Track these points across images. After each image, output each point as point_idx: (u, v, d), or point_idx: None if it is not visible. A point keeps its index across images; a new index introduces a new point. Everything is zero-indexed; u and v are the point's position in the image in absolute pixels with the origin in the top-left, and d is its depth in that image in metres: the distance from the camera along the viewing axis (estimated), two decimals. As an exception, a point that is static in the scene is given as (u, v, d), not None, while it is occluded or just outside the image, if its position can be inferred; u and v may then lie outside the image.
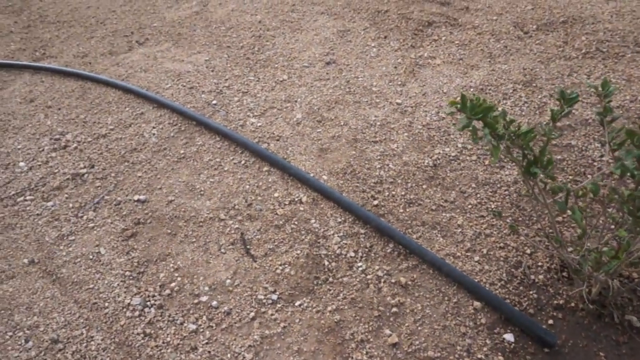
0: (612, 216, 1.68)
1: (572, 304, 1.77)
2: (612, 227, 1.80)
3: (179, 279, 2.00)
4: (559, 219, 2.09)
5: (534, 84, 2.83)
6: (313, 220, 2.20)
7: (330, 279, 1.95)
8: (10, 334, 1.86)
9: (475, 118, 1.40)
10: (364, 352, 1.69)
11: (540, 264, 1.94)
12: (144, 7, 4.57)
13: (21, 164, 2.72)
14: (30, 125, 3.03)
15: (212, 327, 1.81)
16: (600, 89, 1.61)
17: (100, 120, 2.99)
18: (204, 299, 1.91)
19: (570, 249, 1.89)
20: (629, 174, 1.37)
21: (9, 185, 2.59)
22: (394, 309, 1.82)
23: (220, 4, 4.38)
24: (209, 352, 1.73)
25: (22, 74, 3.64)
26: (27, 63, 3.72)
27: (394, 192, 2.30)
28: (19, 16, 4.67)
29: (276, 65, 3.35)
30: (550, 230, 1.95)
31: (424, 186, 2.32)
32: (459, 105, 1.46)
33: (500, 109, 1.45)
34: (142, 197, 2.39)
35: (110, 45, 3.92)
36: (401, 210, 2.22)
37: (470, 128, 1.43)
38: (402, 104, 2.83)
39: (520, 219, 2.13)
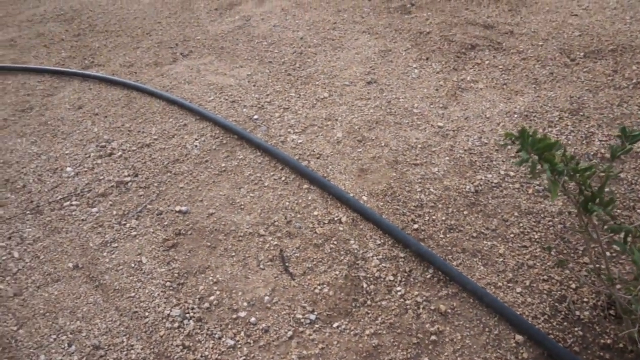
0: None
1: (621, 345, 1.71)
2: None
3: (218, 292, 2.02)
4: (608, 254, 2.02)
5: (582, 113, 2.77)
6: (352, 241, 2.19)
7: (369, 302, 1.94)
8: (54, 337, 1.91)
9: (536, 153, 1.38)
10: (403, 381, 1.67)
11: (586, 299, 1.88)
12: (188, 20, 4.70)
13: (68, 169, 2.82)
14: (78, 132, 3.13)
15: (249, 344, 1.82)
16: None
17: (145, 130, 3.07)
18: (242, 314, 1.92)
19: (619, 286, 1.82)
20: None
21: (57, 190, 2.68)
22: (433, 337, 1.79)
23: (263, 19, 4.47)
24: (247, 369, 1.74)
25: (72, 81, 3.79)
26: (77, 71, 3.87)
27: (434, 217, 2.28)
28: (70, 25, 4.88)
29: (317, 83, 3.38)
30: (599, 266, 1.89)
31: (465, 212, 2.29)
32: (514, 137, 1.45)
33: (562, 147, 1.42)
34: (183, 209, 2.44)
35: (155, 56, 4.04)
36: (442, 236, 2.19)
37: (530, 163, 1.41)
38: (443, 128, 2.81)
39: (565, 251, 2.08)
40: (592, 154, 2.50)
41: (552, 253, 2.06)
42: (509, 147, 1.44)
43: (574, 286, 1.94)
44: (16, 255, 2.29)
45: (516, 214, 2.27)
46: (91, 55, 4.18)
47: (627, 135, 1.48)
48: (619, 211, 2.20)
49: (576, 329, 1.79)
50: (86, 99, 3.49)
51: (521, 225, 2.21)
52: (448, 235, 2.19)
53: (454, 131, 2.78)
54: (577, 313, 1.84)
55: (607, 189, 2.30)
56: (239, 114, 3.12)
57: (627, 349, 1.70)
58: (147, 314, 1.96)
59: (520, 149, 1.41)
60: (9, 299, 2.09)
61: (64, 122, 3.26)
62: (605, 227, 1.53)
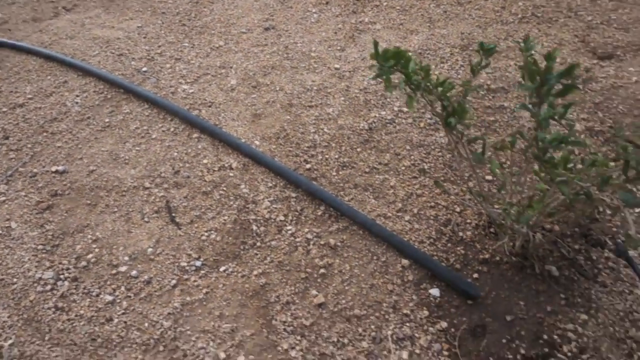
0: (534, 170, 1.68)
1: (497, 258, 1.78)
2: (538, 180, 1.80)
3: (97, 250, 1.88)
4: (489, 177, 2.09)
5: (471, 48, 2.82)
6: (243, 186, 2.11)
7: (258, 244, 1.88)
8: None
9: (389, 66, 1.35)
10: (289, 314, 1.64)
11: (469, 221, 1.94)
12: (73, -27, 4.26)
13: None
14: (-61, 96, 2.77)
15: (130, 297, 1.71)
16: (522, 44, 1.59)
17: (18, 89, 2.77)
18: (122, 269, 1.81)
19: (497, 206, 1.89)
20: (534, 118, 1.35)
21: None
22: (322, 270, 1.78)
23: (156, -30, 4.14)
24: (125, 322, 1.63)
25: None
26: (-61, 31, 3.40)
27: (327, 156, 2.25)
28: None
29: (213, 32, 3.20)
30: (477, 188, 1.95)
31: (359, 149, 2.28)
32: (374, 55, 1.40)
33: (417, 60, 1.40)
34: (60, 168, 2.23)
35: (33, 11, 3.64)
36: (334, 174, 2.16)
37: (384, 77, 1.37)
38: (340, 69, 2.76)
39: (452, 178, 2.12)
40: (478, 85, 2.55)
41: (432, 176, 2.10)
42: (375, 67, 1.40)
43: (458, 209, 1.99)
44: None
45: (408, 147, 2.28)
46: (-43, 14, 3.70)
47: (484, 49, 1.48)
48: (500, 138, 2.27)
49: (458, 248, 1.84)
50: (-51, 61, 3.09)
51: (412, 157, 2.23)
52: (340, 173, 2.17)
53: (350, 72, 2.74)
54: (460, 234, 1.89)
55: (488, 118, 2.37)
56: (125, 67, 2.89)
57: (502, 261, 1.77)
58: (14, 279, 1.79)
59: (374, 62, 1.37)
60: None
61: None
62: (464, 139, 1.55)
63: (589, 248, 1.80)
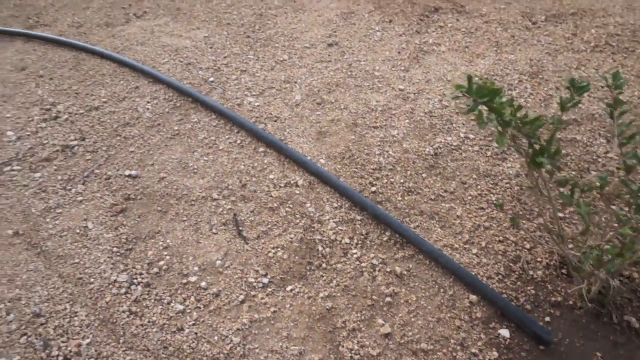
0: (617, 214, 1.63)
1: (571, 302, 1.73)
2: (616, 225, 1.75)
3: (168, 257, 1.94)
4: (561, 215, 2.04)
5: (541, 76, 2.76)
6: (309, 205, 2.14)
7: (324, 265, 1.90)
8: (-10, 306, 1.80)
9: (482, 102, 1.34)
10: (356, 342, 1.64)
11: (539, 260, 1.90)
12: (143, -21, 4.43)
13: (9, 133, 2.63)
14: (20, 95, 2.93)
15: (200, 308, 1.76)
16: (611, 80, 1.55)
17: (94, 92, 2.90)
18: (193, 279, 1.85)
19: (571, 246, 1.84)
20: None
21: (-4, 155, 2.50)
22: (388, 299, 1.77)
23: (223, -21, 4.26)
24: (196, 333, 1.68)
25: (14, 41, 3.53)
26: (20, 30, 3.60)
27: (392, 180, 2.24)
28: (14, -18, 4.52)
29: (277, 45, 3.26)
30: (552, 226, 1.90)
31: (424, 175, 2.27)
32: (464, 89, 1.40)
33: (508, 96, 1.39)
34: (133, 173, 2.32)
35: (107, 16, 3.80)
36: (399, 199, 2.16)
37: (477, 112, 1.36)
38: (404, 90, 2.76)
39: (521, 213, 2.08)
40: (550, 115, 2.50)
41: (508, 213, 2.06)
42: (459, 100, 1.39)
43: (528, 246, 1.95)
44: (-50, 223, 2.14)
45: (474, 176, 2.26)
46: (36, 15, 3.90)
47: (575, 87, 1.45)
48: (574, 172, 2.22)
49: (529, 288, 1.80)
50: (30, 60, 3.26)
51: (479, 187, 2.20)
52: (406, 198, 2.16)
53: (414, 94, 2.73)
54: (531, 272, 1.85)
55: (556, 144, 2.31)
56: (194, 77, 2.97)
57: (576, 306, 1.72)
58: (92, 280, 1.86)
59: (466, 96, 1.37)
60: (-59, 268, 1.95)
61: (5, 84, 3.03)
62: (553, 180, 1.52)
63: (668, 299, 1.73)
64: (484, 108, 1.43)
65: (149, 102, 2.78)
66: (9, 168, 2.41)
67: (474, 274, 1.84)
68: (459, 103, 2.57)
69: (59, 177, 2.34)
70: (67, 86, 2.97)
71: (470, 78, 1.40)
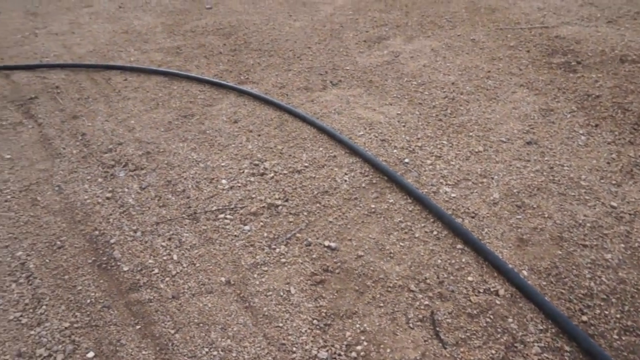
0: None
1: None
2: None
3: (365, 343, 1.97)
4: None
5: None
6: (510, 320, 2.03)
7: (530, 396, 1.77)
8: (206, 349, 1.98)
9: None
10: None
11: None
12: (337, 48, 4.82)
13: (223, 181, 2.97)
14: (233, 146, 3.31)
15: (399, 410, 1.74)
16: None
17: (296, 154, 3.16)
18: (391, 375, 1.85)
19: None
20: None
21: (212, 200, 2.82)
22: None
23: (412, 57, 4.45)
24: None
25: (229, 94, 4.04)
26: (234, 85, 4.12)
27: (606, 312, 2.05)
28: (228, 39, 5.24)
29: (470, 134, 3.26)
30: None
31: (645, 314, 2.03)
32: None
33: None
34: (332, 244, 2.44)
35: (305, 80, 4.18)
36: (615, 337, 1.95)
37: None
38: (617, 208, 2.55)
39: None
40: None
41: None
42: None
43: None
44: (175, 257, 2.44)
45: None
46: (246, 71, 4.43)
47: None
48: None
49: None
50: (241, 114, 3.69)
51: None
52: (623, 338, 1.95)
53: (630, 214, 2.51)
54: None
55: None
56: (388, 154, 3.09)
57: None
58: (294, 349, 1.96)
59: None
60: (167, 300, 2.21)
61: (221, 133, 3.46)
62: None
63: None
64: None
65: (346, 174, 2.94)
66: (222, 215, 2.70)
67: None
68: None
69: (265, 234, 2.55)
70: (273, 144, 3.28)
71: None
